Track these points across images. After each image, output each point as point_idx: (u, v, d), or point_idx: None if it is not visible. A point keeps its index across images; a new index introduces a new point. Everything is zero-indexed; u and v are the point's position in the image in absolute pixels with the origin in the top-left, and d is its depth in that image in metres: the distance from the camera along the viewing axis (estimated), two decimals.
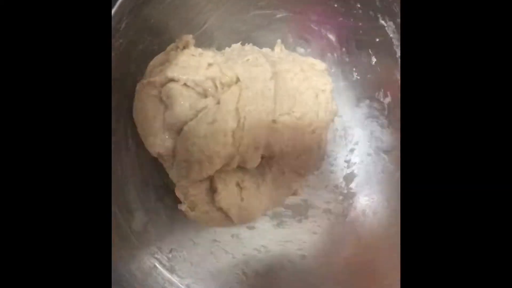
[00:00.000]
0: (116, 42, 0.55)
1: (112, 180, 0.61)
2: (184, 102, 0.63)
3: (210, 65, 0.63)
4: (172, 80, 0.63)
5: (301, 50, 0.79)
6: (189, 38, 0.67)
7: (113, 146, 0.62)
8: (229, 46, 0.74)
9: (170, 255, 0.69)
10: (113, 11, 0.50)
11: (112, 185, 0.61)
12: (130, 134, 0.67)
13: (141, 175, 0.69)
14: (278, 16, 0.75)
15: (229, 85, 0.63)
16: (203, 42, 0.73)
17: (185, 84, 0.63)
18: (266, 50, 0.76)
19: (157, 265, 0.67)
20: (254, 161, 0.65)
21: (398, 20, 0.66)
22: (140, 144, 0.67)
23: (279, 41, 0.77)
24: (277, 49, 0.76)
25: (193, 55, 0.64)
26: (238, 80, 0.63)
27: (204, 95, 0.64)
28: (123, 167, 0.65)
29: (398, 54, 0.69)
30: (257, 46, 0.76)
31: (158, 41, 0.66)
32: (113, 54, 0.56)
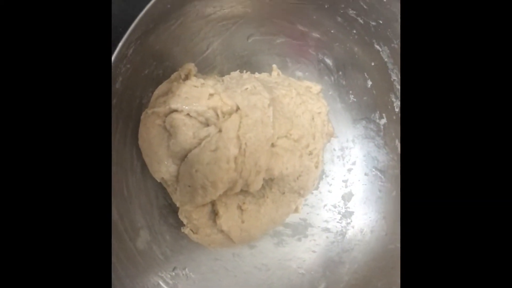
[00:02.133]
0: (124, 67, 0.57)
1: (118, 200, 0.63)
2: (187, 131, 0.65)
3: (211, 95, 0.65)
4: (175, 110, 0.65)
5: (299, 73, 0.82)
6: (191, 66, 0.70)
7: (119, 167, 0.64)
8: (231, 70, 0.76)
9: (173, 273, 0.70)
10: (123, 39, 0.52)
11: (118, 205, 0.63)
12: (135, 156, 0.68)
13: (146, 196, 0.70)
14: (277, 41, 0.77)
15: (230, 114, 0.65)
16: (206, 66, 0.75)
17: (188, 114, 0.65)
18: (264, 74, 0.78)
19: (161, 283, 0.68)
20: (256, 185, 0.66)
21: (393, 45, 0.68)
22: (145, 166, 0.68)
23: (274, 66, 0.79)
24: (274, 73, 0.79)
25: (195, 86, 0.66)
26: (238, 108, 0.65)
27: (206, 123, 0.66)
28: (129, 187, 0.66)
29: (393, 77, 0.71)
30: (257, 70, 0.79)
31: (163, 66, 0.68)
32: (120, 78, 0.58)
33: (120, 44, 0.52)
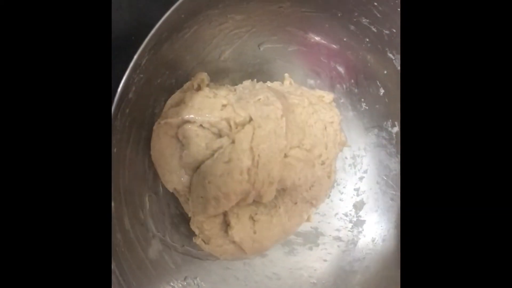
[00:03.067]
0: (137, 77, 0.57)
1: (130, 209, 0.63)
2: (200, 142, 0.65)
3: (224, 106, 0.65)
4: (188, 121, 0.65)
5: (311, 81, 0.81)
6: (204, 76, 0.70)
7: (131, 176, 0.64)
8: (242, 78, 0.76)
9: (184, 283, 0.70)
10: (138, 51, 0.52)
11: (131, 214, 0.63)
12: (147, 165, 0.68)
13: (157, 205, 0.70)
14: (289, 49, 0.77)
15: (243, 125, 0.65)
16: (218, 75, 0.75)
17: (200, 125, 0.65)
18: (276, 83, 0.78)
19: None
20: (269, 196, 0.66)
21: None
22: (157, 175, 0.69)
23: (286, 75, 0.79)
24: (286, 82, 0.79)
25: (207, 96, 0.66)
26: (251, 119, 0.65)
27: (219, 135, 0.66)
28: (141, 196, 0.66)
29: None
30: (269, 78, 0.79)
31: (176, 75, 0.68)
32: (133, 88, 0.57)
33: (136, 56, 0.52)
